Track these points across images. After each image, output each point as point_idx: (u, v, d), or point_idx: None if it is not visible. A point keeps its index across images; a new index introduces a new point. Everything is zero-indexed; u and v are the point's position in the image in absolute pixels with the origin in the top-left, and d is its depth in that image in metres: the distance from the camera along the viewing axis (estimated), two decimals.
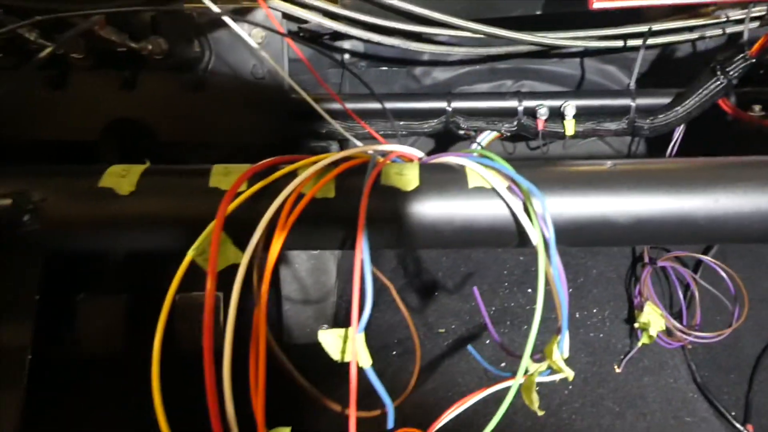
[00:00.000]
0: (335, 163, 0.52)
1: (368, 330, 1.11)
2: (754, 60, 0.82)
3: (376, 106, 0.95)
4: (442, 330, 1.10)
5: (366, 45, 1.02)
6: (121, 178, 0.51)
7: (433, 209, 0.52)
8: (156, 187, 0.53)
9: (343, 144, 1.13)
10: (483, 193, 0.52)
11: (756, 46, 0.82)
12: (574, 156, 1.14)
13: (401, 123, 0.95)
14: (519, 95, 0.96)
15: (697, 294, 1.14)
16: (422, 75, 1.09)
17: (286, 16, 0.88)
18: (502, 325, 1.09)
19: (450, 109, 0.96)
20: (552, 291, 0.50)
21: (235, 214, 0.49)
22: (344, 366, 1.04)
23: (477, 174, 0.52)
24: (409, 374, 1.02)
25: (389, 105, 0.95)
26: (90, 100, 0.88)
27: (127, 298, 1.10)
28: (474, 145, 0.96)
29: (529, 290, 1.14)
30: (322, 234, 0.52)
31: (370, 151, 0.55)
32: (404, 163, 0.55)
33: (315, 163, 0.51)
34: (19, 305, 0.93)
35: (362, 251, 0.46)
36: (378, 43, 0.93)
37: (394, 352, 1.07)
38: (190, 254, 0.48)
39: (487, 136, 0.96)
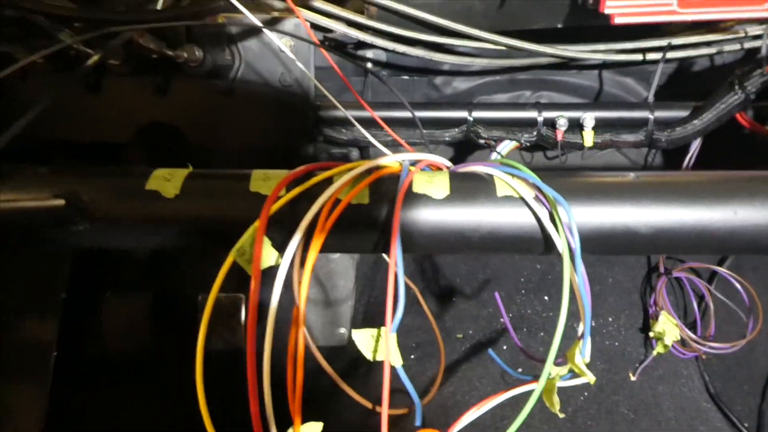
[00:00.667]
0: (369, 171, 0.54)
1: None
2: None
3: (398, 114, 0.97)
4: (460, 335, 1.12)
5: (388, 54, 1.05)
6: (166, 181, 0.54)
7: (462, 216, 0.54)
8: (199, 190, 0.56)
9: (364, 151, 1.15)
10: (510, 201, 0.54)
11: None
12: (592, 166, 1.16)
13: (424, 131, 0.98)
14: (539, 106, 0.98)
15: (711, 305, 1.15)
16: (443, 84, 1.12)
17: (313, 26, 0.90)
18: (518, 331, 1.11)
19: (471, 119, 0.98)
20: (576, 297, 0.52)
21: (273, 218, 0.51)
22: (362, 368, 1.06)
23: (505, 183, 0.54)
24: (428, 378, 1.04)
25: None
26: (124, 104, 0.91)
27: (151, 297, 1.13)
28: (494, 155, 0.99)
29: (546, 297, 1.16)
30: (356, 238, 0.54)
31: (402, 160, 0.57)
32: (435, 172, 0.58)
33: (350, 170, 0.53)
34: (46, 303, 0.96)
35: (396, 256, 0.48)
36: (401, 53, 0.95)
37: (413, 356, 1.09)
38: (232, 255, 0.50)
39: (507, 146, 0.99)
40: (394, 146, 0.92)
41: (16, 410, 0.93)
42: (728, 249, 0.55)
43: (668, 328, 1.00)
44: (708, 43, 0.98)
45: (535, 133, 0.98)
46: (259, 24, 0.72)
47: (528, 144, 0.99)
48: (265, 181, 0.54)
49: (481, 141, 0.99)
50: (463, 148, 1.16)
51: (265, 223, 0.48)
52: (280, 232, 0.52)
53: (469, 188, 0.55)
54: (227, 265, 0.50)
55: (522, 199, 0.54)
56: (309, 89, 0.91)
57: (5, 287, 0.93)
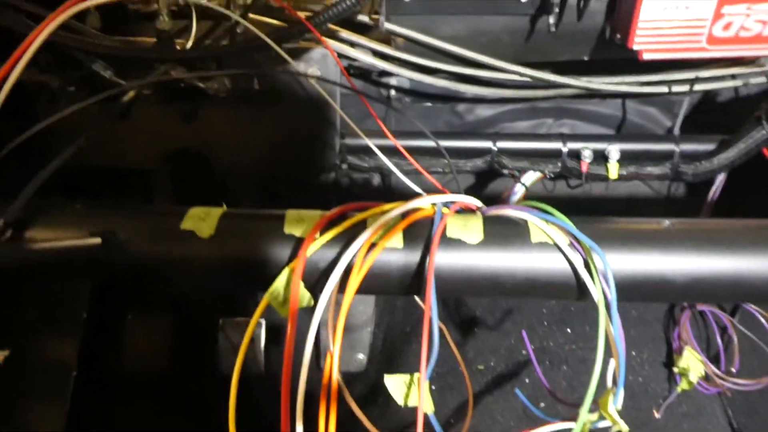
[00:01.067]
0: (403, 215, 0.54)
1: (407, 361, 1.13)
2: None
3: (422, 143, 0.97)
4: (482, 366, 1.11)
5: (411, 82, 1.05)
6: (202, 221, 0.54)
7: (496, 262, 0.54)
8: (233, 231, 0.56)
9: (386, 178, 1.16)
10: (545, 248, 0.54)
11: None
12: (615, 196, 1.15)
13: (447, 160, 0.98)
14: (563, 137, 0.98)
15: (735, 339, 1.14)
16: (465, 112, 1.12)
17: (339, 56, 0.91)
18: (541, 364, 1.09)
19: (495, 149, 0.98)
20: (611, 346, 0.51)
21: (307, 260, 0.52)
22: (381, 396, 1.06)
23: (539, 229, 0.54)
24: (449, 409, 1.03)
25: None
26: (152, 131, 0.92)
27: (172, 319, 1.13)
28: (518, 185, 0.99)
29: (568, 330, 1.15)
30: (389, 281, 0.54)
31: (436, 202, 0.57)
32: (468, 215, 0.58)
33: (384, 212, 0.54)
34: (67, 322, 0.97)
35: (431, 303, 0.48)
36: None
37: (433, 387, 1.08)
38: (266, 298, 0.50)
39: (531, 177, 0.99)
40: (417, 174, 0.92)
41: (35, 429, 0.94)
42: (765, 299, 0.54)
43: (693, 363, 0.99)
44: (733, 76, 0.98)
45: (559, 164, 0.98)
46: (288, 58, 0.73)
47: (552, 175, 0.99)
48: (299, 222, 0.55)
49: (505, 171, 0.99)
50: (486, 175, 1.16)
51: (302, 267, 0.49)
52: (312, 273, 0.52)
53: (503, 234, 0.55)
54: (261, 308, 0.50)
55: (556, 245, 0.53)
56: (334, 117, 0.92)
57: (26, 306, 0.93)
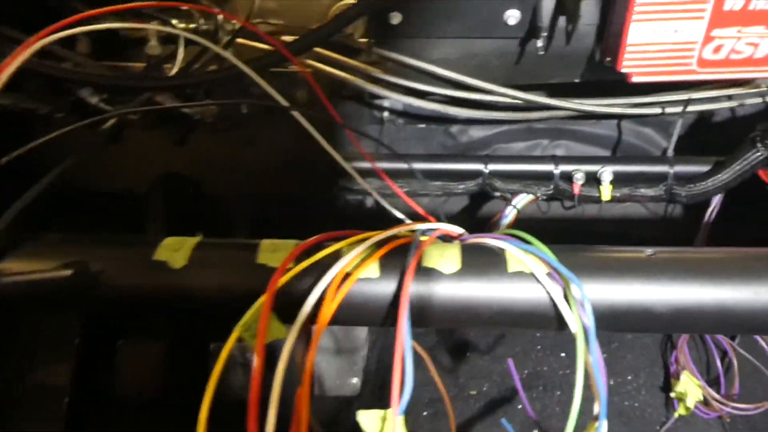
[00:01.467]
0: (380, 244, 0.54)
1: None
2: None
3: (413, 164, 0.97)
4: (474, 392, 1.09)
5: (404, 104, 1.05)
6: (175, 251, 0.54)
7: (472, 292, 0.53)
8: (207, 261, 0.55)
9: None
10: (522, 277, 0.53)
11: None
12: (609, 217, 1.14)
13: (438, 183, 0.97)
14: (555, 159, 0.97)
15: (735, 362, 1.11)
16: (459, 133, 1.11)
17: (329, 78, 0.91)
18: (534, 389, 1.08)
19: (487, 171, 0.97)
20: (590, 379, 0.50)
21: (281, 290, 0.51)
22: None
23: (517, 259, 0.53)
24: None
25: (428, 165, 0.97)
26: (142, 155, 0.92)
27: (164, 344, 1.13)
28: (509, 208, 0.98)
29: (563, 354, 1.13)
30: (364, 312, 0.54)
31: (415, 228, 0.56)
32: (446, 244, 0.57)
33: (360, 241, 0.53)
34: (59, 348, 0.96)
35: (403, 335, 0.47)
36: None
37: (425, 413, 1.07)
38: (237, 330, 0.49)
39: (522, 199, 0.98)
40: (410, 196, 0.91)
41: None
42: (750, 329, 0.53)
43: (690, 388, 0.96)
44: (729, 97, 0.97)
45: (551, 186, 0.97)
46: (269, 88, 0.73)
47: (544, 197, 0.98)
48: (274, 252, 0.54)
49: (497, 194, 0.98)
50: (478, 198, 1.15)
51: (272, 299, 0.48)
52: (287, 305, 0.52)
53: (480, 263, 0.54)
54: (232, 340, 0.49)
55: (533, 275, 0.52)
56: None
57: (19, 332, 0.93)
